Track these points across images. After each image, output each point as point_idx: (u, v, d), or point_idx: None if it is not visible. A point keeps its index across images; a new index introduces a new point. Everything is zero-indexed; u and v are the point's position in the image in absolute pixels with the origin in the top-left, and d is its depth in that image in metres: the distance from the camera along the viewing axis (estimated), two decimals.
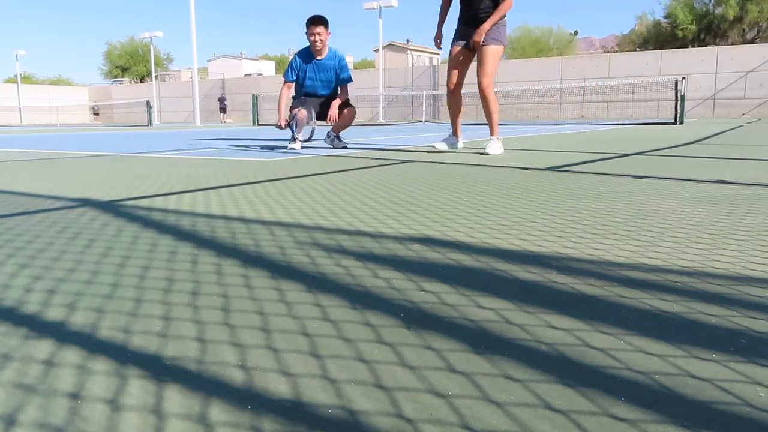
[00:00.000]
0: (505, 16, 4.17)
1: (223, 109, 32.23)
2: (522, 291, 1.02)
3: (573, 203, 1.94)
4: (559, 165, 3.37)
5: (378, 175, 2.91)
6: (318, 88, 5.11)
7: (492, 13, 4.12)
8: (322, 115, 5.22)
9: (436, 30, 4.50)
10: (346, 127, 5.29)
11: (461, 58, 4.36)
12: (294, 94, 5.27)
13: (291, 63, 5.09)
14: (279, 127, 5.18)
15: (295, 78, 5.08)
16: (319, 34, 4.85)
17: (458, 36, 4.37)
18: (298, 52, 5.10)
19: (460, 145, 4.71)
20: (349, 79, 5.15)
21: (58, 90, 42.95)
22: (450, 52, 4.44)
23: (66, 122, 35.23)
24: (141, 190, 2.40)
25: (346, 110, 5.16)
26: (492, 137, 4.36)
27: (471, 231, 1.51)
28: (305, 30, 4.92)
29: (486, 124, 4.60)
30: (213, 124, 25.39)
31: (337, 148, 5.15)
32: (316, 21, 4.85)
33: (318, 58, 5.00)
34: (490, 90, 4.28)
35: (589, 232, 1.48)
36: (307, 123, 5.17)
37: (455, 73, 4.39)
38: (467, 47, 4.30)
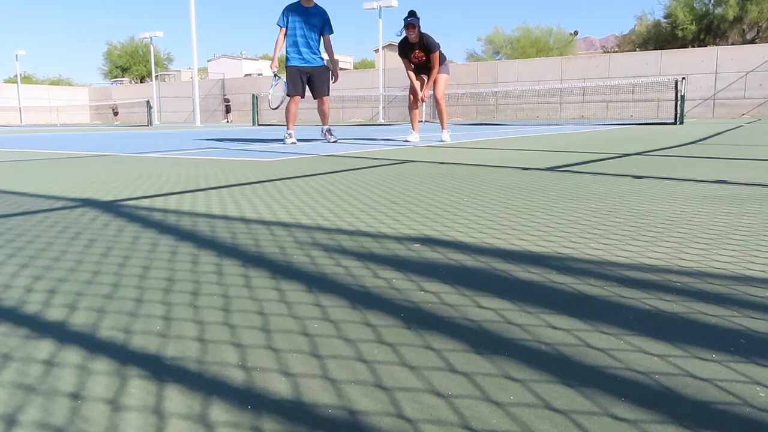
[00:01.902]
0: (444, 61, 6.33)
1: (227, 109, 32.22)
2: (522, 291, 1.02)
3: (573, 203, 1.95)
4: (559, 165, 3.37)
5: (378, 175, 2.91)
6: (305, 29, 6.02)
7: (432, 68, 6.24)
8: (310, 91, 6.25)
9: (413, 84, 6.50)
10: (327, 116, 6.49)
11: (419, 82, 6.50)
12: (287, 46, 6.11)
13: (283, 11, 6.01)
14: (270, 68, 6.27)
15: (286, 23, 5.98)
16: None
17: (416, 70, 6.43)
18: (288, 4, 6.03)
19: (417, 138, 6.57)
20: (331, 30, 6.20)
21: (58, 90, 42.94)
22: (410, 78, 6.47)
23: (66, 122, 35.24)
24: (141, 190, 2.41)
25: (324, 107, 6.33)
26: (444, 130, 6.54)
27: (471, 231, 1.51)
28: None
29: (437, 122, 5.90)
30: (213, 124, 25.39)
31: (330, 142, 6.27)
32: None
33: (306, 5, 6.01)
34: (443, 101, 6.41)
35: (589, 233, 1.48)
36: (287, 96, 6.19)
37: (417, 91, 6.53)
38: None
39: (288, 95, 6.15)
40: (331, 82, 6.32)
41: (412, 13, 6.06)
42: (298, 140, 6.55)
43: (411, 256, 1.27)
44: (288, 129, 6.26)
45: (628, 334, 0.82)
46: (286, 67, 6.10)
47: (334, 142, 6.33)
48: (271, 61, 6.19)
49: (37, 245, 1.39)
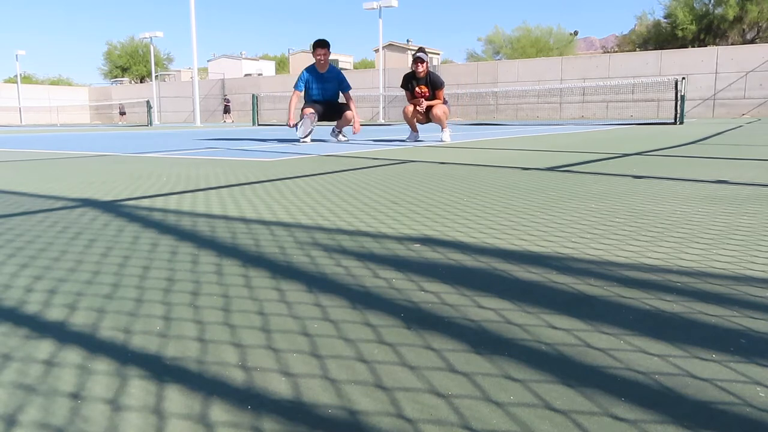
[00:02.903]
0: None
1: (226, 109, 32.11)
2: (522, 291, 1.02)
3: (573, 203, 1.95)
4: (559, 165, 3.37)
5: (378, 175, 2.91)
6: (322, 94, 6.54)
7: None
8: (326, 116, 6.64)
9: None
10: (347, 125, 6.77)
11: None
12: (303, 103, 6.61)
13: (300, 76, 6.54)
14: (289, 125, 6.60)
15: (303, 88, 6.51)
16: (324, 54, 6.36)
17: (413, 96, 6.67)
18: (306, 68, 6.59)
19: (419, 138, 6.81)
20: (349, 87, 6.71)
21: (58, 90, 42.94)
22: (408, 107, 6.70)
23: (66, 122, 35.23)
24: (141, 190, 2.41)
25: (346, 111, 6.65)
26: (444, 129, 6.51)
27: (471, 231, 1.51)
28: (312, 50, 6.45)
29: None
30: (213, 123, 25.39)
31: (341, 141, 6.57)
32: (321, 44, 6.36)
33: (321, 71, 6.51)
34: (444, 116, 6.53)
35: (589, 233, 1.48)
36: (311, 121, 6.42)
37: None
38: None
39: (294, 90, 6.50)
40: (352, 130, 6.71)
41: (421, 50, 6.43)
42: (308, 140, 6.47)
43: (411, 256, 1.27)
44: (289, 121, 6.60)
45: (628, 334, 0.82)
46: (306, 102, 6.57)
47: (346, 140, 6.62)
48: (288, 119, 6.63)
49: (37, 245, 1.39)
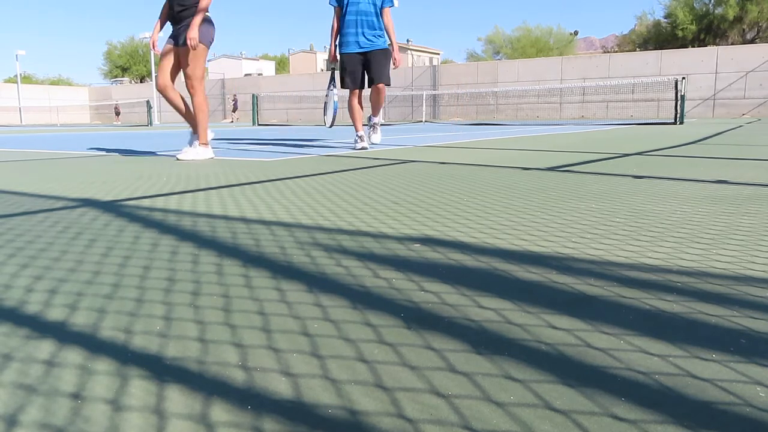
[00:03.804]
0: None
1: (234, 107, 31.67)
2: (522, 291, 1.02)
3: (573, 203, 1.95)
4: (559, 165, 3.37)
5: (378, 174, 2.91)
6: (362, 4, 4.94)
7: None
8: (367, 81, 5.18)
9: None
10: (380, 106, 5.39)
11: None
12: (335, 47, 5.14)
13: None
14: (330, 61, 5.22)
15: (338, 3, 5.06)
16: None
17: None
18: None
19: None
20: (392, 2, 5.10)
21: (58, 90, 42.94)
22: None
23: (66, 122, 35.23)
24: (142, 190, 2.41)
25: (380, 96, 5.20)
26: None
27: (471, 231, 1.51)
28: None
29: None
30: (214, 123, 25.39)
31: (357, 147, 5.10)
32: None
33: None
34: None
35: (590, 233, 1.48)
36: (330, 104, 5.39)
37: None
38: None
39: (344, 88, 5.17)
40: (391, 68, 5.25)
41: None
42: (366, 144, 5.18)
43: (411, 256, 1.27)
44: (357, 131, 5.22)
45: (628, 334, 0.82)
46: (341, 54, 5.06)
47: (361, 149, 5.05)
48: (328, 55, 5.20)
49: (37, 245, 1.39)
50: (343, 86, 5.14)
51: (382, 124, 19.26)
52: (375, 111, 5.41)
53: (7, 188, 2.55)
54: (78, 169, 3.39)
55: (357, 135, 5.22)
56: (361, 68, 5.10)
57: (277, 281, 1.09)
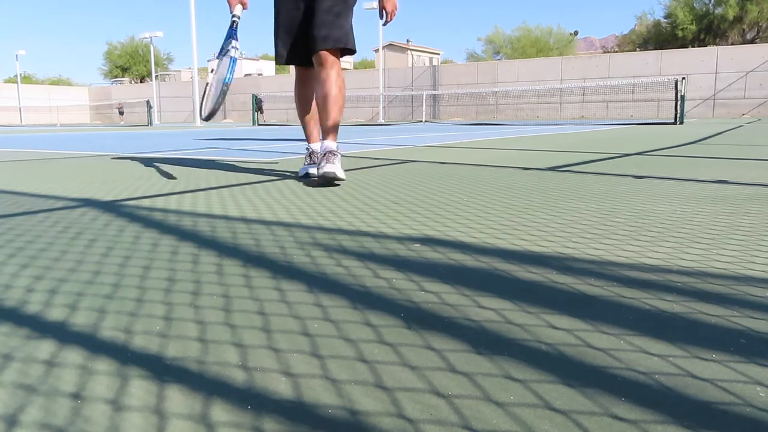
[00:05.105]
0: None
1: (260, 108, 27.69)
2: (523, 291, 1.02)
3: (573, 203, 1.95)
4: (559, 165, 3.37)
5: (378, 174, 2.91)
6: None
7: None
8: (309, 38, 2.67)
9: None
10: (330, 111, 2.67)
11: None
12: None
13: None
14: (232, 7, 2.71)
15: None
16: None
17: None
18: None
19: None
20: None
21: (58, 90, 42.95)
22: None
23: (66, 122, 35.23)
24: (142, 190, 2.41)
25: (326, 88, 2.65)
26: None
27: (471, 231, 1.51)
28: None
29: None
30: (214, 123, 25.38)
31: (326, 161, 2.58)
32: None
33: None
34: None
35: (590, 233, 1.48)
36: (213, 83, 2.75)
37: None
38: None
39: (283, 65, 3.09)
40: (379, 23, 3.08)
41: None
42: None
43: (411, 256, 1.27)
44: (307, 141, 2.98)
45: (628, 334, 0.82)
46: None
47: (305, 175, 2.84)
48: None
49: (37, 245, 1.39)
50: (277, 60, 2.86)
51: (381, 124, 17.94)
52: (324, 121, 2.70)
53: (7, 188, 2.55)
54: (78, 169, 3.39)
55: (306, 148, 2.99)
56: (305, 20, 2.70)
57: (277, 281, 1.09)
